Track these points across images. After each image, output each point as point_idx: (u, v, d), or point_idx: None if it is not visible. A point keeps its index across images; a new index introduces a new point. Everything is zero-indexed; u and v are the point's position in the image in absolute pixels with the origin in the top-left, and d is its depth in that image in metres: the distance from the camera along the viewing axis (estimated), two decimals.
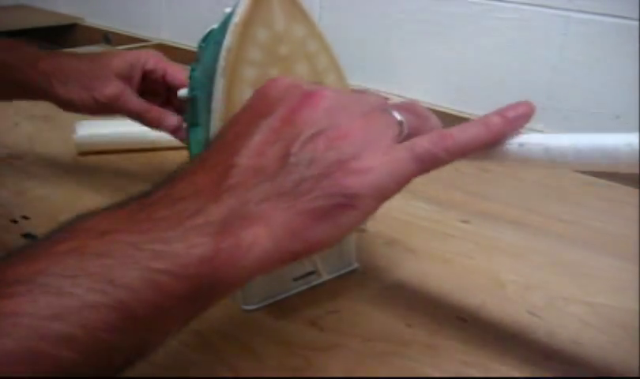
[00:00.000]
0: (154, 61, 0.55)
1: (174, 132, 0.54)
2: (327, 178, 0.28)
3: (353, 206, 0.28)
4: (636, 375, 0.38)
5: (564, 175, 0.69)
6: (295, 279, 0.44)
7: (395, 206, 0.61)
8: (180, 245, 0.25)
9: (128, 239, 0.25)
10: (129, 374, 0.36)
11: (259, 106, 0.30)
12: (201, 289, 0.26)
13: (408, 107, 0.33)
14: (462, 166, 0.69)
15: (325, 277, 0.46)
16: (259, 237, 0.27)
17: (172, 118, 0.54)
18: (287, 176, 0.28)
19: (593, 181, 0.68)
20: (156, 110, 0.54)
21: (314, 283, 0.45)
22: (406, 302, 0.44)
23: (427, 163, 0.30)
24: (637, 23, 0.71)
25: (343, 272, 0.47)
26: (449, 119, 0.89)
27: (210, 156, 0.29)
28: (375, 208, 0.29)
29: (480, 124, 0.33)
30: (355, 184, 0.28)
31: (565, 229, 0.56)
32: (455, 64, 0.90)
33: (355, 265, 0.48)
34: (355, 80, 0.97)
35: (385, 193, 0.29)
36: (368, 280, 0.47)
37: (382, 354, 0.39)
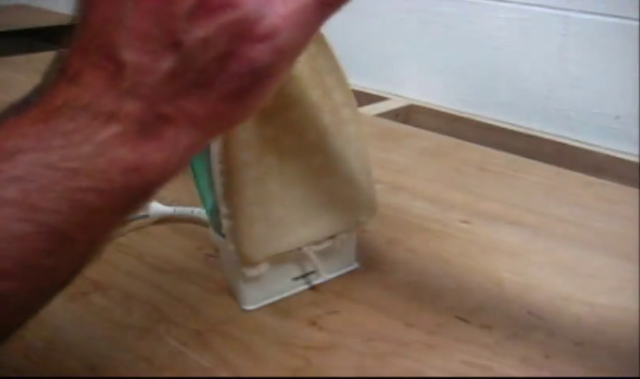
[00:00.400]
0: None
1: None
2: (232, 58, 0.25)
3: (270, 76, 0.26)
4: (636, 375, 0.38)
5: (564, 175, 0.69)
6: (295, 279, 0.44)
7: (395, 206, 0.61)
8: (101, 160, 0.24)
9: (41, 159, 0.23)
10: (129, 374, 0.36)
11: None
12: (134, 195, 0.26)
13: None
14: (462, 167, 0.69)
15: (325, 277, 0.46)
16: (183, 130, 0.26)
17: None
18: (187, 67, 0.25)
19: (593, 181, 0.68)
20: None
21: (314, 282, 0.45)
22: (406, 302, 0.44)
23: (335, 4, 0.27)
24: (637, 23, 0.71)
25: (343, 271, 0.47)
26: (450, 119, 0.89)
27: (88, 47, 0.25)
28: (291, 65, 0.28)
29: None
30: (265, 54, 0.25)
31: (565, 229, 0.56)
32: (455, 64, 0.90)
33: (355, 265, 0.48)
34: (356, 80, 0.98)
35: (298, 50, 0.27)
36: (368, 280, 0.47)
37: (382, 354, 0.39)
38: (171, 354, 0.38)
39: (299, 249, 0.43)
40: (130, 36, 0.25)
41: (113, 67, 0.25)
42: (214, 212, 0.43)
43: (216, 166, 0.39)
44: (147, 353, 0.38)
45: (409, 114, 0.94)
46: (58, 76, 0.26)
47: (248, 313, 0.42)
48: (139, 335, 0.40)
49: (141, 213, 0.51)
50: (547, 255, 0.52)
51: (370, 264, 0.49)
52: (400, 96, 0.96)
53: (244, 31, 0.25)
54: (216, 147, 0.40)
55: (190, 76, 0.25)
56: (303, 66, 0.41)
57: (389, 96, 0.97)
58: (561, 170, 0.71)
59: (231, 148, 0.39)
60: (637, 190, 0.65)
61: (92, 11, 0.26)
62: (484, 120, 0.87)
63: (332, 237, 0.45)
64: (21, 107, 0.26)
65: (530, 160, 0.74)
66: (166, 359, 0.38)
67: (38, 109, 0.25)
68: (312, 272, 0.45)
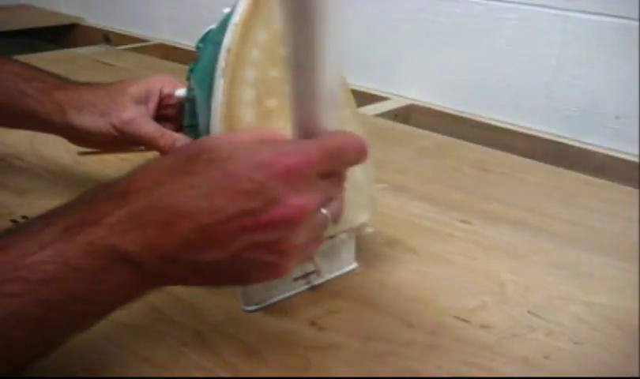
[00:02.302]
0: (171, 85, 0.53)
1: None
2: None
3: None
4: (636, 375, 0.38)
5: (564, 175, 0.69)
6: (295, 279, 0.44)
7: (395, 206, 0.61)
8: None
9: None
10: (129, 374, 0.36)
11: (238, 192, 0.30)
12: None
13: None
14: (462, 166, 0.69)
15: (325, 277, 0.46)
16: None
17: (185, 141, 0.49)
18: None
19: (593, 181, 0.68)
20: (169, 135, 0.51)
21: (314, 283, 0.45)
22: (406, 302, 0.44)
23: None
24: (637, 23, 0.71)
25: (343, 271, 0.47)
26: (450, 119, 0.89)
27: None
28: None
29: None
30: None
31: (565, 229, 0.56)
32: (455, 64, 0.90)
33: (355, 265, 0.48)
34: (356, 80, 0.98)
35: None
36: (368, 280, 0.47)
37: (382, 354, 0.39)
38: (171, 354, 0.38)
39: None
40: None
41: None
42: None
43: None
44: (147, 353, 0.38)
45: (409, 114, 0.94)
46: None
47: (248, 313, 0.42)
48: (139, 335, 0.40)
49: None
50: (547, 255, 0.52)
51: (370, 264, 0.49)
52: (400, 96, 0.96)
53: None
54: None
55: None
56: None
57: (389, 96, 0.97)
58: (561, 170, 0.71)
59: None
60: (637, 190, 0.65)
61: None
62: (484, 120, 0.87)
63: (332, 237, 0.45)
64: None
65: (530, 160, 0.74)
66: (166, 359, 0.38)
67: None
68: (312, 272, 0.45)
